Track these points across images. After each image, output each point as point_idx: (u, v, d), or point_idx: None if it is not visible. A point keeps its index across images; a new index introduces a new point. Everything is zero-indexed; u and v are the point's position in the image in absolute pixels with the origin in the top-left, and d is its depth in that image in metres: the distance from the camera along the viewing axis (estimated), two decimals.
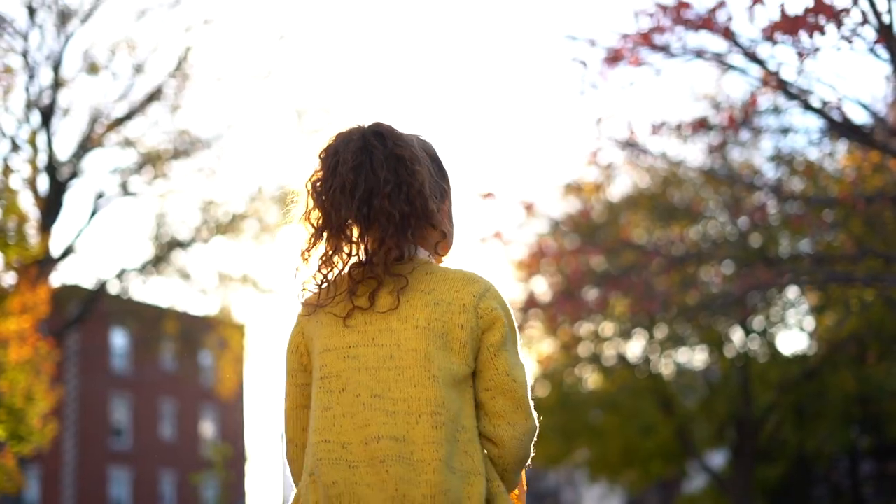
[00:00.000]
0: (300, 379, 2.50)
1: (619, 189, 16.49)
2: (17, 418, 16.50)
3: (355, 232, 2.39)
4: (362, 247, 2.40)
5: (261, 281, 27.35)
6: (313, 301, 2.45)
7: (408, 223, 2.37)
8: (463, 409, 2.34)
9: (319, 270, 2.42)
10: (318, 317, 2.43)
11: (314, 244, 2.42)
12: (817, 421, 18.97)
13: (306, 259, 2.44)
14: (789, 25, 6.48)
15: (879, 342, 15.16)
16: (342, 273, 2.42)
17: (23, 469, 18.33)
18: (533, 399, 2.49)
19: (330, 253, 2.40)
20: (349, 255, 2.40)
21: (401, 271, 2.38)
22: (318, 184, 2.42)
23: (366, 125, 2.47)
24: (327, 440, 2.33)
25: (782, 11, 6.52)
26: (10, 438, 16.27)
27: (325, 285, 2.43)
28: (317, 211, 2.41)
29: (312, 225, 2.42)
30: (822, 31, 6.36)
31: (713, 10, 7.09)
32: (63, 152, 24.11)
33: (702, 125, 8.61)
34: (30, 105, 23.25)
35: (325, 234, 2.40)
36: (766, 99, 9.26)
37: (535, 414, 2.42)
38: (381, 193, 2.35)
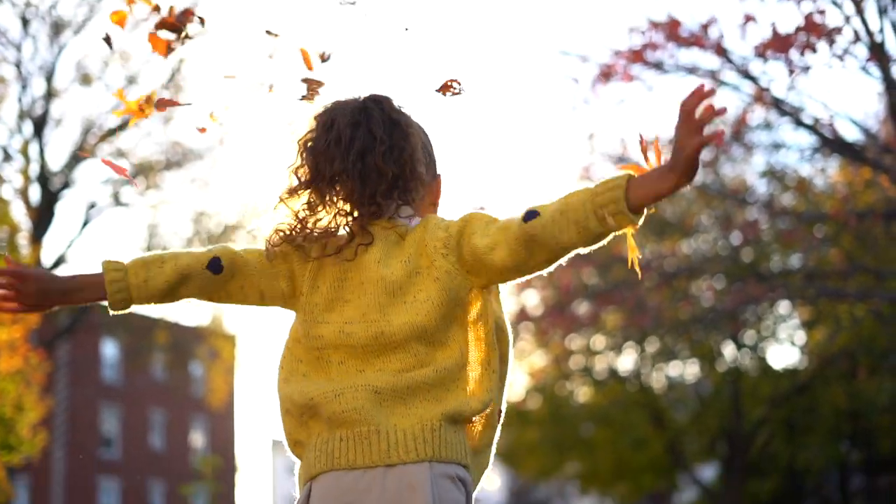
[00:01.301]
0: None
1: None
2: (6, 428, 16.47)
3: (344, 186, 2.40)
4: (348, 203, 2.41)
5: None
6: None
7: (397, 184, 2.40)
8: None
9: (297, 217, 2.43)
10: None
11: (296, 192, 2.44)
12: (808, 435, 18.98)
13: (283, 202, 2.45)
14: (781, 43, 6.52)
15: (870, 357, 15.18)
16: (321, 224, 2.42)
17: (12, 479, 18.28)
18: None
19: (315, 202, 2.42)
20: (334, 205, 2.41)
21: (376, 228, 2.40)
22: (311, 141, 2.45)
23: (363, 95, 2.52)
24: None
25: (774, 30, 6.56)
26: None
27: (304, 232, 2.42)
28: (305, 166, 2.44)
29: (298, 178, 2.44)
30: (813, 49, 6.40)
31: (705, 28, 7.13)
32: (55, 163, 24.10)
33: None
34: (22, 115, 23.23)
35: (312, 185, 2.42)
36: (758, 115, 9.30)
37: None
38: (376, 151, 2.39)
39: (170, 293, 2.49)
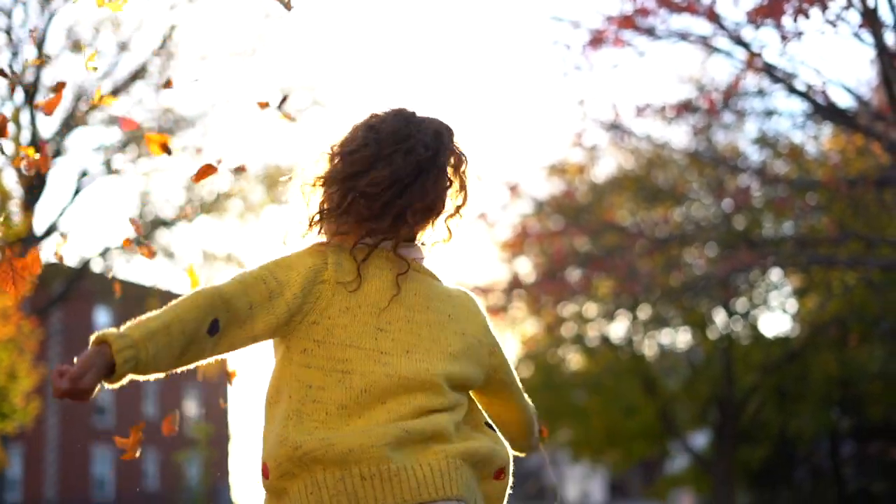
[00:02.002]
0: None
1: (603, 171, 16.51)
2: (0, 396, 16.50)
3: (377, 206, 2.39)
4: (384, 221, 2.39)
5: (245, 260, 27.33)
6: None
7: (426, 218, 2.43)
8: None
9: (328, 218, 2.42)
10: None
11: (334, 200, 2.41)
12: (799, 402, 19.06)
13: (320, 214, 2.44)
14: (773, 9, 6.49)
15: (861, 325, 15.23)
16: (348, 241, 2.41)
17: (6, 447, 18.32)
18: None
19: (345, 208, 2.40)
20: (367, 223, 2.39)
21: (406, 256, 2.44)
22: (356, 150, 2.42)
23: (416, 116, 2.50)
24: None
25: None
26: None
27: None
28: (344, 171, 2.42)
29: (332, 181, 2.42)
30: (806, 14, 6.38)
31: None
32: (47, 130, 24.01)
33: (686, 108, 8.63)
34: (13, 82, 23.14)
35: (346, 195, 2.39)
36: (750, 82, 9.28)
37: None
38: (432, 176, 2.42)
39: (175, 364, 2.40)
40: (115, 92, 23.99)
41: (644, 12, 7.27)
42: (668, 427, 19.59)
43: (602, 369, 19.11)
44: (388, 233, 2.39)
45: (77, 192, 24.29)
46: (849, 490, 20.82)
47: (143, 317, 2.32)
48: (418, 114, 2.52)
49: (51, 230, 23.60)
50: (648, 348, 19.68)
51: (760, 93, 9.96)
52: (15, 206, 20.28)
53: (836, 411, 20.37)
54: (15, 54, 23.07)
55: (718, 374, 18.48)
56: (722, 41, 7.62)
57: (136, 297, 29.51)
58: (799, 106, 11.75)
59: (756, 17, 6.70)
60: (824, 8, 6.39)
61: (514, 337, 17.18)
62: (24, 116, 23.26)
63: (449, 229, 2.48)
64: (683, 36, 7.52)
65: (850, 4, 6.40)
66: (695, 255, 14.08)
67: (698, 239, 13.03)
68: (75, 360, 2.22)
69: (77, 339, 42.75)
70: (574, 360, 20.61)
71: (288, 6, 3.02)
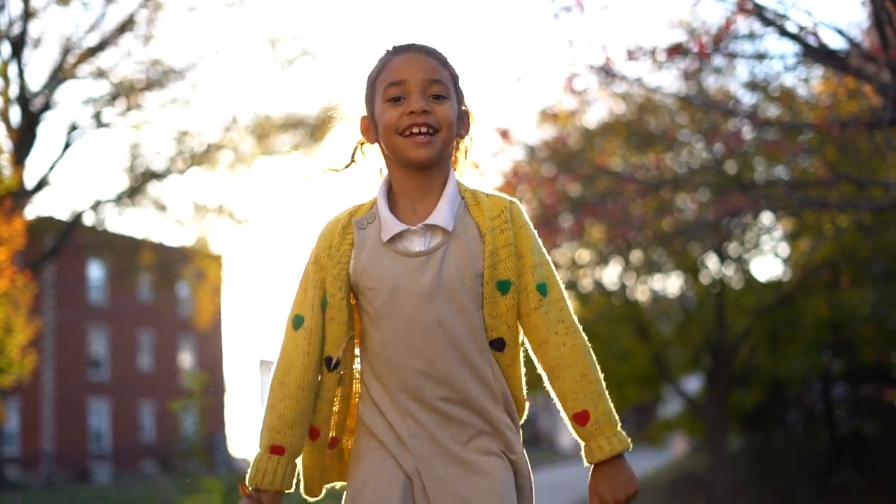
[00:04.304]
0: None
1: (594, 116, 16.46)
2: None
3: None
4: None
5: (237, 211, 27.33)
6: None
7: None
8: None
9: None
10: None
11: None
12: (791, 346, 19.14)
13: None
14: None
15: (852, 267, 15.28)
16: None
17: (3, 400, 18.38)
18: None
19: None
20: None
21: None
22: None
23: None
24: None
25: None
26: None
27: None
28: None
29: None
30: None
31: None
32: (35, 83, 23.88)
33: (677, 51, 8.60)
34: (0, 36, 22.97)
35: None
36: (741, 25, 9.26)
37: None
38: None
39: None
40: (103, 44, 23.84)
41: None
42: (661, 372, 19.70)
43: (595, 315, 19.15)
44: None
45: (67, 145, 24.21)
46: (841, 431, 20.99)
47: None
48: None
49: (41, 184, 23.55)
50: (641, 294, 19.73)
51: (751, 36, 9.93)
52: (5, 161, 20.23)
53: (828, 354, 20.48)
54: (1, 7, 22.90)
55: (711, 318, 18.55)
56: None
57: (128, 250, 29.53)
58: (790, 49, 11.70)
59: None
60: None
61: None
62: (12, 69, 23.13)
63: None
64: None
65: None
66: (687, 200, 14.10)
67: (690, 183, 13.03)
68: None
69: (70, 293, 42.78)
70: None
71: None
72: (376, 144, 2.72)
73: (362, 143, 2.76)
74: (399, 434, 2.57)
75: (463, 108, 2.72)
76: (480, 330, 2.59)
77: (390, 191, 2.67)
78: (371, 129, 2.68)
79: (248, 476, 2.59)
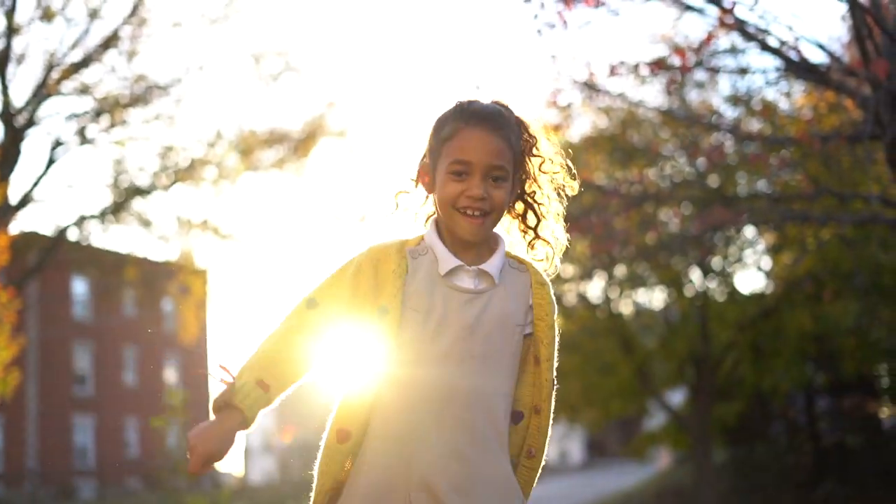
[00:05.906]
0: None
1: (578, 130, 16.54)
2: None
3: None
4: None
5: (221, 226, 27.29)
6: None
7: None
8: None
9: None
10: None
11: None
12: (774, 358, 19.21)
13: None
14: None
15: (835, 280, 15.35)
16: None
17: None
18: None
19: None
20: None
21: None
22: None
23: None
24: None
25: None
26: None
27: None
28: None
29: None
30: None
31: None
32: (19, 100, 23.83)
33: (660, 66, 8.66)
34: None
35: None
36: (723, 39, 9.33)
37: None
38: None
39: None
40: (87, 60, 23.82)
41: None
42: (645, 385, 19.76)
43: (579, 329, 19.21)
44: None
45: (51, 161, 24.16)
46: (824, 444, 21.06)
47: None
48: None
49: (25, 200, 23.49)
50: (625, 307, 19.80)
51: (733, 50, 10.01)
52: None
53: (810, 366, 20.55)
54: None
55: (694, 331, 18.62)
56: None
57: (112, 265, 29.46)
58: (772, 63, 11.79)
59: None
60: None
61: None
62: None
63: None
64: None
65: None
66: (670, 214, 14.16)
67: (673, 197, 13.08)
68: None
69: (55, 309, 42.62)
70: None
71: None
72: (422, 188, 2.86)
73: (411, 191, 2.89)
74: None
75: (527, 168, 2.96)
76: (510, 375, 2.74)
77: (438, 231, 2.80)
78: (429, 180, 2.82)
79: (223, 392, 2.67)
